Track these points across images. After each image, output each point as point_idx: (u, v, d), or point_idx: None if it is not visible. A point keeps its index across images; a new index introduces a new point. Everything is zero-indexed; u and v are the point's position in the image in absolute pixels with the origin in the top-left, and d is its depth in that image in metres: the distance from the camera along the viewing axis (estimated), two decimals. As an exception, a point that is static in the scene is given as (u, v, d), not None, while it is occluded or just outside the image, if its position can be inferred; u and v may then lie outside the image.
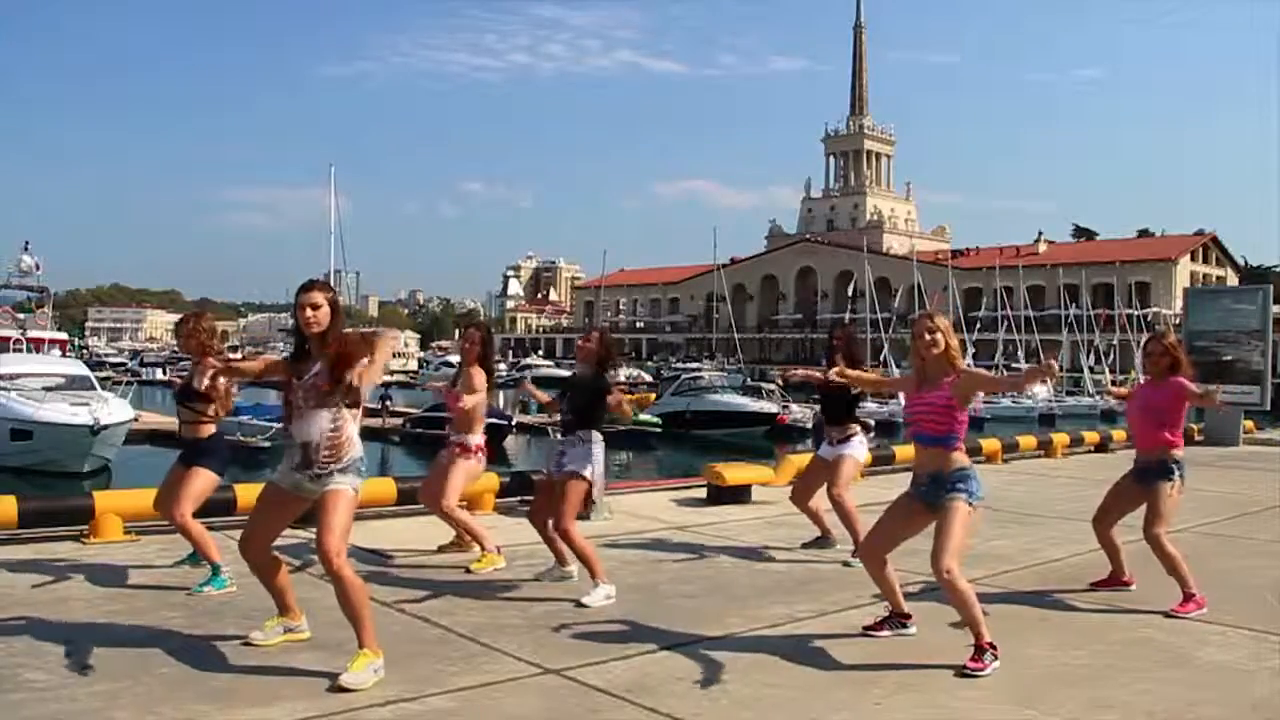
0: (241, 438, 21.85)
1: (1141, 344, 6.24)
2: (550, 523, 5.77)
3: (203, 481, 5.70)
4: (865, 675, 4.34)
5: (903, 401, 4.94)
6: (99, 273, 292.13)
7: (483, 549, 6.36)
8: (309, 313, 4.18)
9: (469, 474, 6.57)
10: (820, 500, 7.10)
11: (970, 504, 4.53)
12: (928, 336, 4.61)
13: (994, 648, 4.42)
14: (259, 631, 4.52)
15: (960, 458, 4.60)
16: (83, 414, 21.11)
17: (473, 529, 6.45)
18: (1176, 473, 5.71)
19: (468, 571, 6.19)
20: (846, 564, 6.67)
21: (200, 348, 5.69)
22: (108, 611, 5.06)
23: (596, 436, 5.74)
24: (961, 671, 4.34)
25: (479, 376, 6.55)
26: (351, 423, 4.25)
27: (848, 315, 63.02)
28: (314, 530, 4.27)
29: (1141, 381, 6.17)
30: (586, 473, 5.64)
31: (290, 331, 4.49)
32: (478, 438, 6.58)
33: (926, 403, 4.62)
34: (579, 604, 5.40)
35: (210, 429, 5.80)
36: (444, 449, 6.66)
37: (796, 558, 6.98)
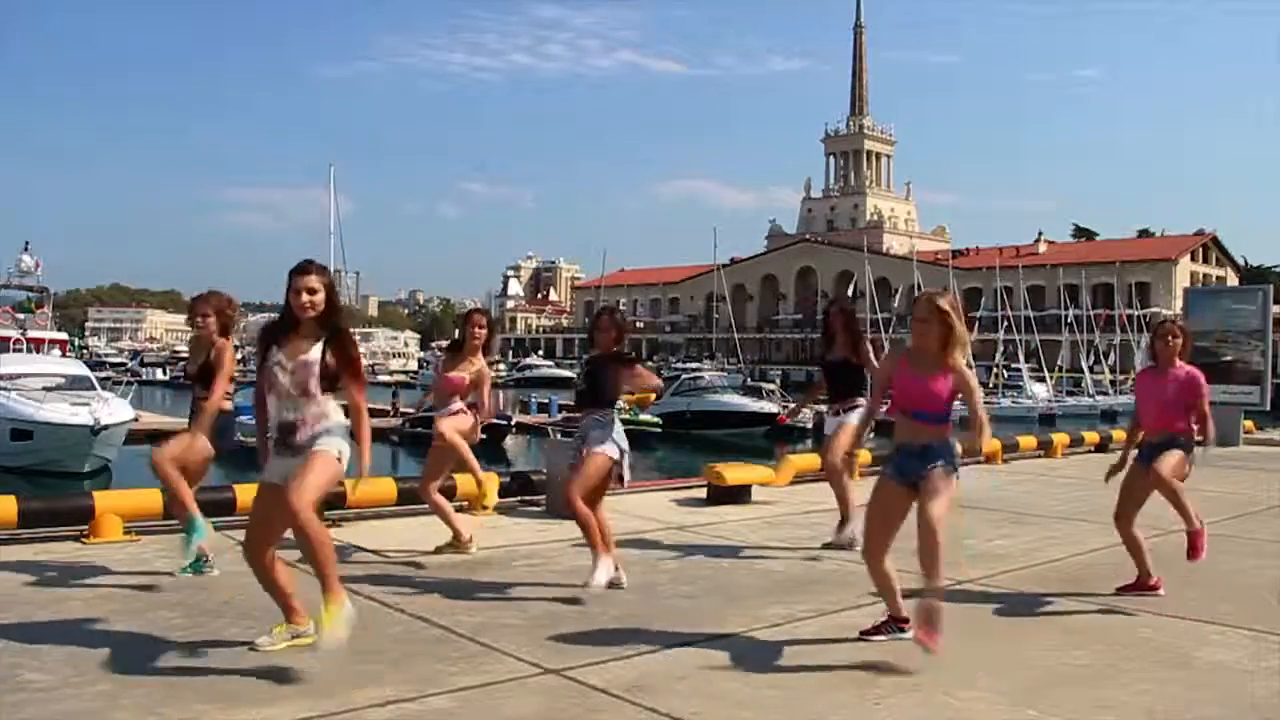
0: (241, 438, 21.84)
1: (1154, 330, 6.10)
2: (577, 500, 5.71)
3: (195, 443, 5.61)
4: (865, 675, 4.34)
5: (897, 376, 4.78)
6: (99, 273, 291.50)
7: (455, 536, 6.53)
8: (304, 298, 4.15)
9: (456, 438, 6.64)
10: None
11: (952, 474, 4.55)
12: (921, 325, 4.61)
13: (907, 622, 4.53)
14: (266, 637, 4.45)
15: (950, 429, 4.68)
16: (83, 414, 21.13)
17: (446, 513, 6.60)
18: (1186, 448, 5.69)
19: (436, 552, 6.41)
20: (827, 545, 6.73)
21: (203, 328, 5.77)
22: (108, 611, 5.05)
23: (613, 416, 5.69)
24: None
25: (480, 359, 6.62)
26: (331, 400, 4.20)
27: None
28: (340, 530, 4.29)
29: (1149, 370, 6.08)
30: (611, 452, 5.60)
31: (283, 313, 4.34)
32: (454, 405, 6.61)
33: (931, 390, 4.58)
34: (584, 586, 5.43)
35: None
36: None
37: (796, 558, 6.98)
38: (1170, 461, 5.70)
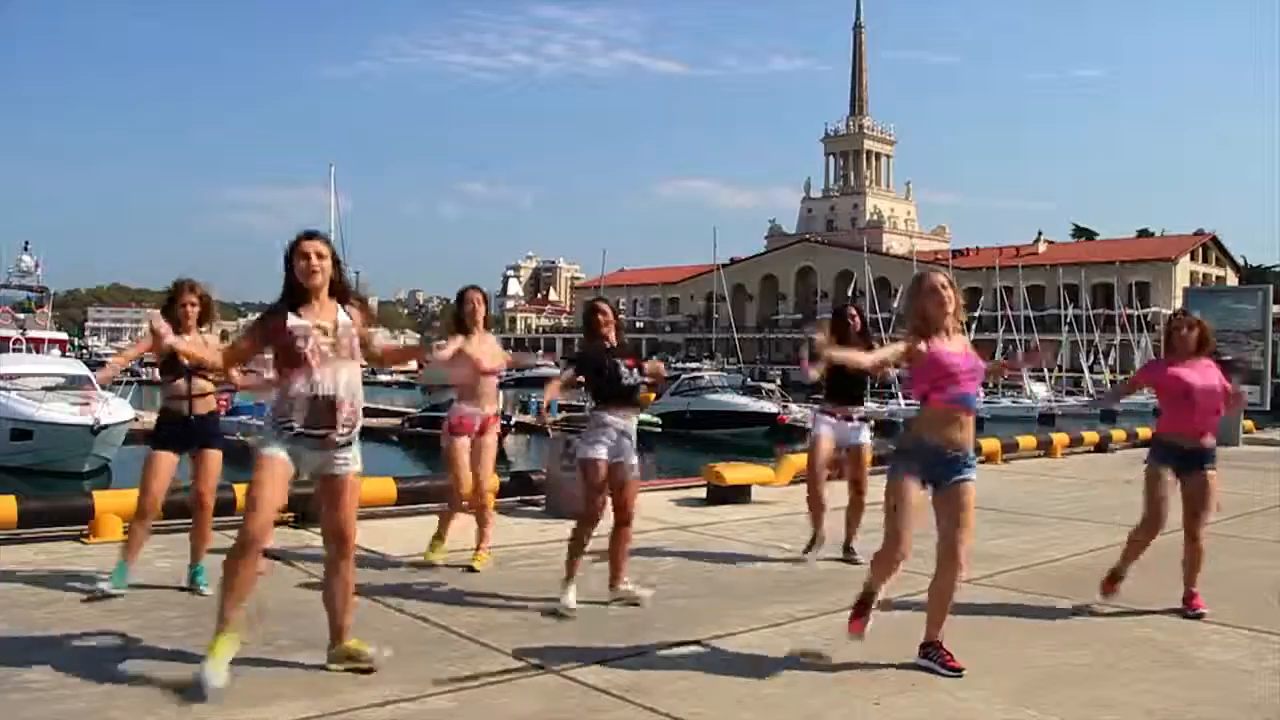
0: (241, 437, 21.86)
1: (1171, 321, 5.76)
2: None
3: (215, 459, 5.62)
4: (865, 675, 4.33)
5: (942, 351, 4.27)
6: (99, 273, 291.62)
7: (479, 545, 6.35)
8: (314, 261, 3.98)
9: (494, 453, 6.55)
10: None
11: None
12: (947, 292, 4.33)
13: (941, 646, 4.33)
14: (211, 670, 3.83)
15: None
16: (83, 414, 21.11)
17: (488, 522, 6.43)
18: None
19: (470, 570, 6.18)
20: (798, 560, 6.62)
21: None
22: (107, 611, 5.05)
23: (598, 416, 5.47)
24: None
25: (494, 341, 6.49)
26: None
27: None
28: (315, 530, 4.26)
29: (1171, 363, 5.57)
30: (579, 454, 5.49)
31: (287, 283, 4.06)
32: (489, 408, 6.45)
33: (974, 364, 4.33)
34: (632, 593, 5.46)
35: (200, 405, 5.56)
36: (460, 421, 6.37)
37: (797, 558, 6.97)
38: (1216, 498, 5.46)
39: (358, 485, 4.18)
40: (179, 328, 5.40)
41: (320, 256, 4.01)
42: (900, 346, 4.33)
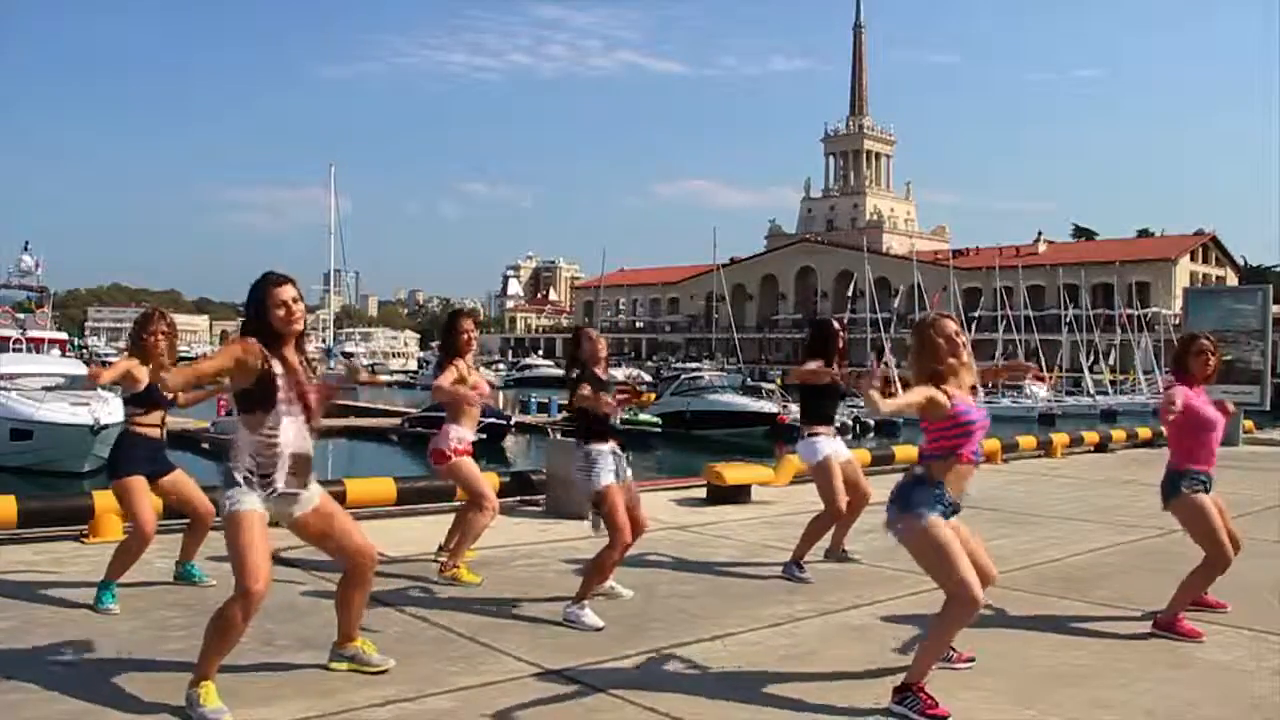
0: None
1: (1193, 343, 5.40)
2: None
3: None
4: (865, 675, 4.33)
5: (963, 408, 4.08)
6: (99, 273, 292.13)
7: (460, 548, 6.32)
8: (295, 307, 3.82)
9: None
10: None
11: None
12: (962, 338, 4.17)
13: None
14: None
15: None
16: (83, 414, 21.09)
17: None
18: None
19: (437, 553, 6.26)
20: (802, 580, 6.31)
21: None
22: (108, 611, 5.05)
23: (590, 447, 5.36)
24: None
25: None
26: None
27: (847, 315, 63.16)
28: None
29: (1188, 388, 5.26)
30: (593, 486, 5.37)
31: (261, 330, 3.81)
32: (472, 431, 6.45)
33: (984, 414, 4.20)
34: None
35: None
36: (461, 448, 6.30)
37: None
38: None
39: (336, 504, 4.12)
40: (147, 356, 5.34)
41: (296, 302, 3.84)
42: (920, 398, 3.99)
